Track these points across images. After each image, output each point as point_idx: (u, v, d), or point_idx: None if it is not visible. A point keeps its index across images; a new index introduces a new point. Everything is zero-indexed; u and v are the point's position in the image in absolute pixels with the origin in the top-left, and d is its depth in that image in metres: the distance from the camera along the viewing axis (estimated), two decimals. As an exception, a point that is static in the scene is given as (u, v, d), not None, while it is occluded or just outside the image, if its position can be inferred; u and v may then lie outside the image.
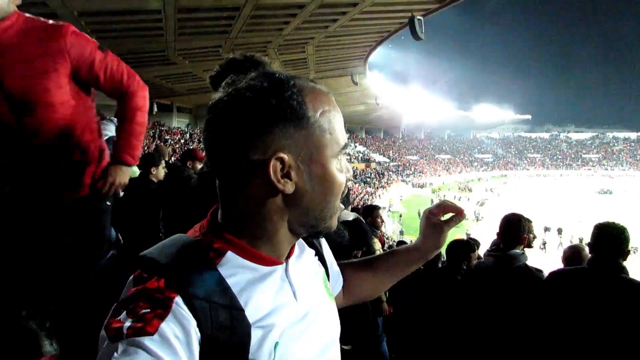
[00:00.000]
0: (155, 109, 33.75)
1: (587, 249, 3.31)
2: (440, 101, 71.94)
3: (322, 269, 0.91)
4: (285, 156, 0.67)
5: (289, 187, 0.69)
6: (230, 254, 0.71)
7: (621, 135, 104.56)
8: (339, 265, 1.08)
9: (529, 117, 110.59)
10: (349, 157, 53.95)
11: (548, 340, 2.54)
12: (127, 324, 0.57)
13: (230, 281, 0.67)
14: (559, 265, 3.41)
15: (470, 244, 3.57)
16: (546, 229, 33.54)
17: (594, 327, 2.32)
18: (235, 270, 0.69)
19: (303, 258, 0.85)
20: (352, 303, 1.11)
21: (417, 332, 3.67)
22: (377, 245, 4.69)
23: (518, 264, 2.85)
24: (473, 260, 3.44)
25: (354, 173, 47.40)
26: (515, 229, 2.92)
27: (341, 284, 1.06)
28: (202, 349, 0.60)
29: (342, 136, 0.73)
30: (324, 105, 0.71)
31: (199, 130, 38.29)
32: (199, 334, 0.60)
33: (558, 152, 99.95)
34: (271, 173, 0.66)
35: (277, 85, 0.68)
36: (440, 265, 4.40)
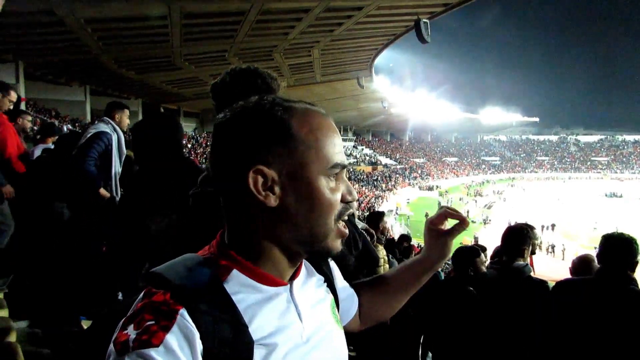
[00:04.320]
0: (162, 114, 34.01)
1: (596, 260, 3.26)
2: (446, 104, 71.84)
3: (331, 296, 0.90)
4: (265, 169, 0.69)
5: (272, 201, 0.70)
6: (235, 272, 0.72)
7: (631, 138, 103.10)
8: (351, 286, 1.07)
9: (536, 119, 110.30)
10: (355, 160, 53.97)
11: (555, 351, 2.50)
12: (133, 336, 0.58)
13: (235, 298, 0.68)
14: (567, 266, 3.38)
15: (475, 250, 3.52)
16: (543, 227, 33.97)
17: (600, 338, 2.28)
18: (241, 288, 0.70)
19: (310, 282, 0.85)
20: (369, 325, 1.11)
21: (429, 345, 3.64)
22: (382, 252, 4.65)
23: (522, 276, 2.81)
24: (479, 265, 3.40)
25: (359, 175, 46.65)
26: (518, 241, 2.88)
27: (357, 307, 1.05)
28: None
29: (332, 154, 0.72)
30: (312, 124, 0.72)
31: (206, 135, 38.52)
32: (202, 346, 0.61)
33: (566, 155, 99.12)
34: (250, 185, 0.69)
35: (263, 106, 0.72)
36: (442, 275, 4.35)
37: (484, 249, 4.97)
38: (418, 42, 15.90)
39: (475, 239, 30.20)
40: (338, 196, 0.73)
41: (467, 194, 57.40)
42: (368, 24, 17.86)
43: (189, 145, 32.67)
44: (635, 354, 2.17)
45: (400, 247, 7.33)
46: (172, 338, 0.59)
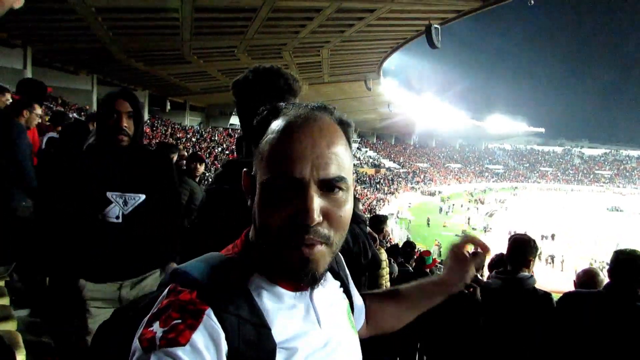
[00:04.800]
0: (169, 107, 34.05)
1: (601, 274, 3.25)
2: (453, 110, 71.64)
3: (347, 302, 0.91)
4: (248, 172, 0.75)
5: (250, 203, 0.73)
6: (258, 274, 0.72)
7: (635, 153, 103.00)
8: (362, 295, 1.07)
9: (542, 130, 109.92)
10: (358, 162, 53.89)
11: (548, 354, 2.51)
12: (159, 334, 0.58)
13: (258, 300, 0.69)
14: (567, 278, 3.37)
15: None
16: (543, 237, 34.14)
17: (603, 352, 2.28)
18: (263, 291, 0.71)
19: (329, 287, 0.85)
20: (375, 334, 1.11)
21: (423, 350, 3.65)
22: (384, 255, 4.65)
23: (527, 287, 2.81)
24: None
25: (362, 178, 46.35)
26: (524, 251, 2.88)
27: (364, 316, 1.06)
28: None
29: (276, 164, 0.65)
30: (273, 131, 0.69)
31: (211, 129, 38.55)
32: (226, 347, 0.61)
33: (570, 167, 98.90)
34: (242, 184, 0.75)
35: (262, 111, 0.75)
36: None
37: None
38: (427, 47, 15.91)
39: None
40: (280, 213, 0.65)
41: (469, 201, 57.26)
42: (379, 26, 17.84)
43: (194, 140, 32.67)
44: None
45: (405, 253, 7.31)
46: (199, 337, 0.59)
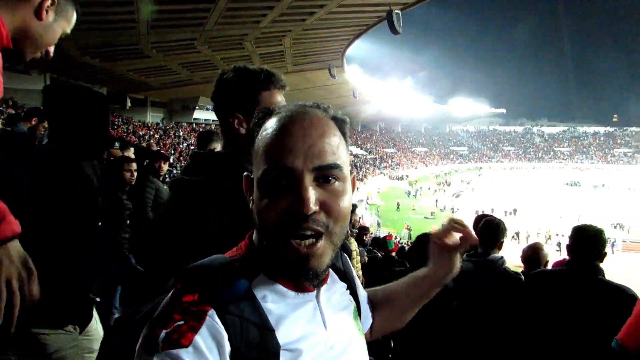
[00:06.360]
0: (129, 104, 33.06)
1: (545, 249, 3.42)
2: (417, 94, 72.62)
3: (354, 304, 0.89)
4: (247, 174, 0.76)
5: (251, 204, 0.73)
6: (263, 276, 0.72)
7: (591, 129, 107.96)
8: None
9: (503, 111, 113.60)
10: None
11: (530, 340, 2.60)
12: (162, 336, 0.59)
13: (262, 302, 0.69)
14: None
15: (429, 235, 3.60)
16: (506, 212, 35.75)
17: (572, 326, 2.37)
18: (268, 292, 0.71)
19: (335, 289, 0.84)
20: (379, 335, 1.09)
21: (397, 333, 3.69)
22: (354, 245, 4.73)
23: (498, 269, 2.88)
24: None
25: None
26: (494, 234, 2.95)
27: (370, 319, 1.04)
28: None
29: (268, 157, 0.67)
30: (265, 127, 0.71)
31: (174, 125, 37.72)
32: (229, 348, 0.62)
33: (531, 146, 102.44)
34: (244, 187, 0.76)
35: (258, 112, 0.76)
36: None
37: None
38: (390, 33, 15.98)
39: (444, 227, 30.81)
40: (277, 206, 0.66)
41: (438, 185, 58.43)
42: (340, 13, 17.76)
43: (157, 136, 31.90)
44: (602, 340, 2.28)
45: (358, 236, 7.33)
46: (201, 339, 0.59)
